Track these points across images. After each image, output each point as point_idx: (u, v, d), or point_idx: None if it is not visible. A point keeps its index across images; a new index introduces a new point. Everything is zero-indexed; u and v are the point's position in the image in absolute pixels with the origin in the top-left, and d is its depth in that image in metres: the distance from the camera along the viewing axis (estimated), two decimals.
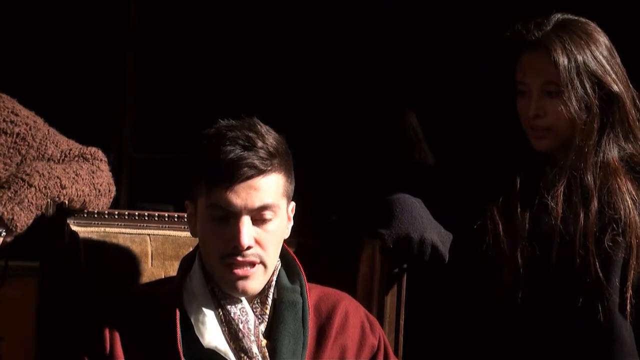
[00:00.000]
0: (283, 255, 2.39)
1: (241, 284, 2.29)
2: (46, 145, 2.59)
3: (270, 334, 2.33)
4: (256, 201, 2.27)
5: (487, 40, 2.86)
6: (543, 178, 2.63)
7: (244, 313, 2.31)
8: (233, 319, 2.30)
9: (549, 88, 2.60)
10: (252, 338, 2.30)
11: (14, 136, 2.53)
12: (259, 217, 2.29)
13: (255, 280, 2.30)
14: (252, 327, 2.31)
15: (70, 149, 2.62)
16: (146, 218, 2.61)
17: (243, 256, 2.28)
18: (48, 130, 2.60)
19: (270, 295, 2.35)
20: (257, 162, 2.26)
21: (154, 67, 4.86)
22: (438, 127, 3.71)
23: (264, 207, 2.28)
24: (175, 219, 2.63)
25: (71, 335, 2.46)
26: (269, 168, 2.28)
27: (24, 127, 2.56)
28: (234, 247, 2.27)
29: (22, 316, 2.71)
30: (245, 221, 2.27)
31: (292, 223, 2.39)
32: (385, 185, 2.70)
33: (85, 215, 2.56)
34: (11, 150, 2.52)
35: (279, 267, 2.38)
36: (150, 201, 4.42)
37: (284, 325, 2.33)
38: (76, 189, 2.51)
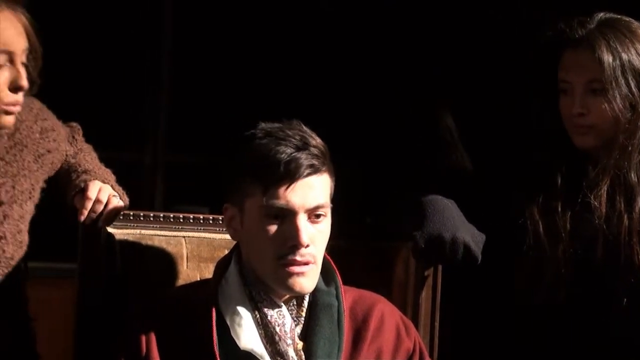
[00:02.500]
0: None
1: (298, 282, 2.29)
2: (64, 143, 2.63)
3: (305, 336, 2.33)
4: (312, 200, 2.28)
5: (526, 39, 2.85)
6: (586, 177, 2.62)
7: (281, 316, 2.32)
8: (270, 322, 2.31)
9: (593, 86, 2.59)
10: (289, 341, 2.30)
11: (54, 151, 2.58)
12: (313, 216, 2.30)
13: (310, 278, 2.31)
14: (288, 330, 2.31)
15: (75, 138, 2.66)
16: (181, 220, 2.63)
17: (301, 255, 2.28)
18: (61, 130, 2.63)
19: (307, 298, 2.35)
20: (314, 161, 2.28)
21: (189, 70, 4.87)
22: (474, 128, 3.69)
23: (319, 206, 2.30)
24: (211, 221, 2.63)
25: (108, 336, 2.47)
26: (323, 167, 2.30)
27: (57, 137, 2.61)
28: (292, 246, 2.27)
29: (60, 317, 2.73)
30: (303, 220, 2.28)
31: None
32: (419, 187, 2.70)
33: (121, 217, 2.57)
34: (52, 164, 2.57)
35: None
36: (185, 204, 4.43)
37: (319, 328, 2.33)
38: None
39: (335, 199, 2.39)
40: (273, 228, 2.29)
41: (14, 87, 2.38)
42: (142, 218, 2.60)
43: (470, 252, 2.59)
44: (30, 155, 2.53)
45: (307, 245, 2.28)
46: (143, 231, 2.59)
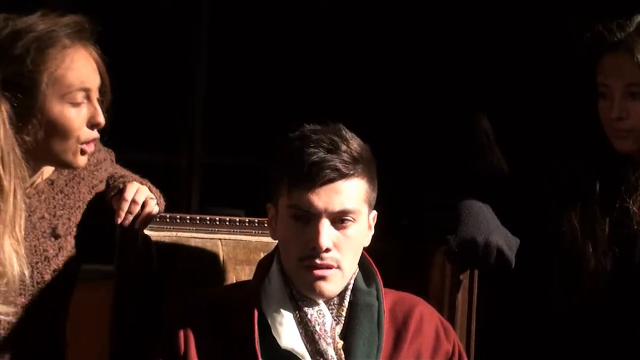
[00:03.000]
0: (360, 261, 2.39)
1: (318, 285, 2.29)
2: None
3: (345, 335, 2.33)
4: (337, 205, 2.28)
5: (565, 42, 2.84)
6: (625, 182, 2.60)
7: (321, 315, 2.32)
8: (310, 321, 2.31)
9: (632, 90, 2.57)
10: (329, 340, 2.30)
11: (104, 180, 2.59)
12: (338, 221, 2.29)
13: (332, 283, 2.31)
14: (328, 329, 2.31)
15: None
16: (217, 223, 2.63)
17: (321, 259, 2.28)
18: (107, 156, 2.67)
19: (347, 297, 2.35)
20: (339, 166, 2.27)
21: (225, 72, 4.89)
22: (511, 131, 3.67)
23: (345, 212, 2.29)
24: (247, 224, 2.64)
25: (144, 338, 2.49)
26: (352, 172, 2.29)
27: (108, 166, 2.63)
28: (313, 249, 2.28)
29: (96, 319, 2.74)
30: (325, 223, 2.28)
31: (372, 232, 2.39)
32: (455, 190, 2.70)
33: (158, 220, 2.58)
34: (99, 192, 2.59)
35: (357, 271, 2.38)
36: (221, 206, 4.44)
37: (359, 327, 2.33)
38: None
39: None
40: (297, 229, 2.30)
41: (91, 125, 2.38)
42: (178, 220, 2.61)
43: (503, 256, 2.58)
44: (86, 187, 2.54)
45: (328, 250, 2.28)
46: (179, 233, 2.60)
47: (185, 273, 2.58)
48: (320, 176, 2.26)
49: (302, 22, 4.80)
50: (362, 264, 2.40)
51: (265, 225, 2.49)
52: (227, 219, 2.65)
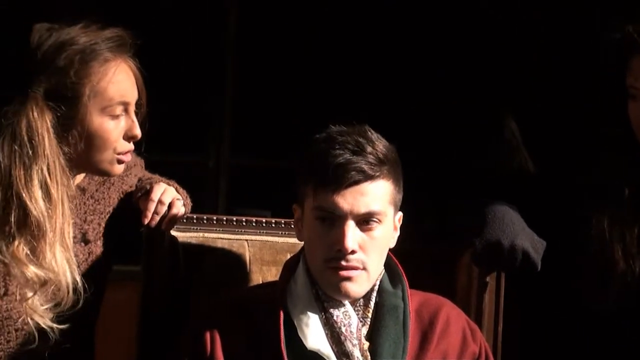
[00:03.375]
0: (386, 262, 2.39)
1: (344, 286, 2.29)
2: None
3: (371, 337, 2.33)
4: (362, 206, 2.28)
5: (595, 44, 2.83)
6: None
7: (347, 316, 2.32)
8: (336, 322, 2.31)
9: None
10: (354, 342, 2.30)
11: (133, 185, 2.61)
12: (364, 222, 2.29)
13: (358, 284, 2.31)
14: (354, 330, 2.31)
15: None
16: (244, 224, 2.64)
17: (347, 260, 2.28)
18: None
19: (373, 299, 2.35)
20: (365, 167, 2.27)
21: (252, 73, 4.89)
22: (539, 132, 3.66)
23: (370, 214, 2.29)
24: (273, 225, 2.64)
25: (171, 338, 2.49)
26: (377, 174, 2.29)
27: (138, 173, 2.65)
28: (338, 251, 2.28)
29: (124, 319, 2.75)
30: (351, 225, 2.28)
31: (398, 233, 2.39)
32: (482, 191, 2.69)
33: (185, 221, 2.59)
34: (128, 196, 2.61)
35: (383, 273, 2.38)
36: (248, 207, 4.45)
37: (385, 329, 2.33)
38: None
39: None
40: (323, 231, 2.30)
41: (128, 137, 2.42)
42: (205, 221, 2.62)
43: (529, 259, 2.57)
44: (116, 192, 2.56)
45: (354, 251, 2.28)
46: (206, 234, 2.61)
47: (211, 274, 2.58)
48: (345, 178, 2.26)
49: (330, 23, 4.80)
50: (388, 265, 2.40)
51: (292, 226, 2.50)
52: (254, 219, 2.65)
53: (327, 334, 2.31)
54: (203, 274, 2.58)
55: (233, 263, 2.60)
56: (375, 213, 2.29)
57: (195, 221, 2.61)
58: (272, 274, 2.57)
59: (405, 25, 4.70)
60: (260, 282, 2.59)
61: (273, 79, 4.85)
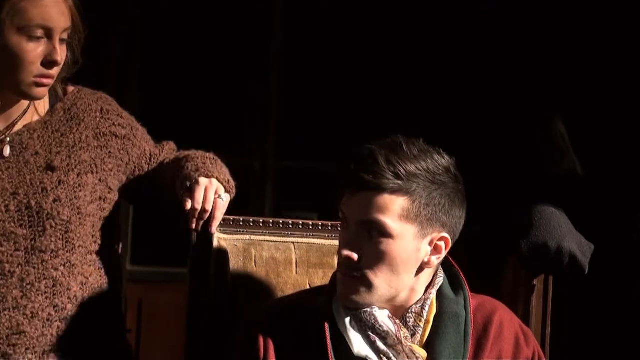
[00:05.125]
0: (447, 268, 2.37)
1: (344, 293, 2.28)
2: (145, 142, 2.67)
3: (429, 343, 2.30)
4: (361, 214, 2.25)
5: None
6: None
7: (391, 322, 2.29)
8: (381, 327, 2.29)
9: None
10: (399, 348, 2.28)
11: (122, 138, 2.61)
12: (367, 232, 2.26)
13: (356, 294, 2.27)
14: (401, 335, 2.29)
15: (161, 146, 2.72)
16: (291, 226, 2.64)
17: (346, 267, 2.27)
18: (138, 127, 2.68)
19: (427, 308, 2.31)
20: (370, 177, 2.23)
21: (299, 76, 4.91)
22: (587, 135, 3.64)
23: (372, 223, 2.25)
24: (320, 227, 2.64)
25: (218, 341, 2.50)
26: (387, 187, 2.23)
27: (128, 129, 2.65)
28: (340, 256, 2.28)
29: (171, 322, 2.76)
30: (353, 231, 2.27)
31: (441, 256, 2.31)
32: (529, 194, 2.67)
33: (231, 223, 2.59)
34: (122, 152, 2.60)
35: (441, 281, 2.35)
36: (294, 209, 4.46)
37: (445, 336, 2.30)
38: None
39: None
40: (341, 235, 2.30)
41: (48, 62, 2.44)
42: (251, 224, 2.62)
43: (576, 262, 2.55)
44: (90, 131, 2.58)
45: (351, 259, 2.25)
46: (252, 237, 2.61)
47: (258, 276, 2.59)
48: (353, 184, 2.25)
49: (382, 29, 4.80)
50: (449, 271, 2.37)
51: (338, 228, 2.49)
52: (301, 222, 2.65)
53: (374, 341, 2.28)
54: (249, 276, 2.58)
55: (279, 266, 2.60)
56: (378, 224, 2.24)
57: (241, 224, 2.61)
58: (319, 277, 2.57)
59: (453, 35, 4.70)
60: (307, 284, 2.59)
61: (320, 81, 4.86)
